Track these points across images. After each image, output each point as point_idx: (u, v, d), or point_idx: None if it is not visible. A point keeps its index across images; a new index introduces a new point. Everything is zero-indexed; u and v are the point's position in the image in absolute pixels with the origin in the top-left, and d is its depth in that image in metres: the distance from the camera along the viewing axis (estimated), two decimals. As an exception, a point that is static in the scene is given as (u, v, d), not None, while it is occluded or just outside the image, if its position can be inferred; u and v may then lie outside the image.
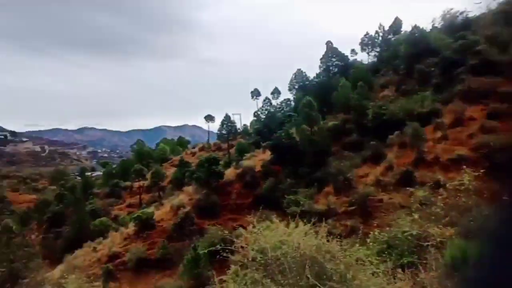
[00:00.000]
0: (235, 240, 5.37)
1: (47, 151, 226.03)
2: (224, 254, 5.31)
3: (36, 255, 37.41)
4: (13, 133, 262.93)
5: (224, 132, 43.29)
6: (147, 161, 59.32)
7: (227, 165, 35.97)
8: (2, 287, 26.11)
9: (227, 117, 43.20)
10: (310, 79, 48.89)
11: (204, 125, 70.76)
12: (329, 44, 46.10)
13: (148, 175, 46.21)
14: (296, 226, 5.16)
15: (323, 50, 46.59)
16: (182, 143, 73.22)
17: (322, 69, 46.14)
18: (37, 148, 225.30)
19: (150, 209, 30.76)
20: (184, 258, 17.96)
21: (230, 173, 29.32)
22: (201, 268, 16.43)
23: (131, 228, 27.02)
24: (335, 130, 27.96)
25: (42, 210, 55.81)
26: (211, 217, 24.11)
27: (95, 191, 50.61)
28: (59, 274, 23.70)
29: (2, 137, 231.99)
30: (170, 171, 48.69)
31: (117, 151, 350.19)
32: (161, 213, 28.42)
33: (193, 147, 64.73)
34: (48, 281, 17.12)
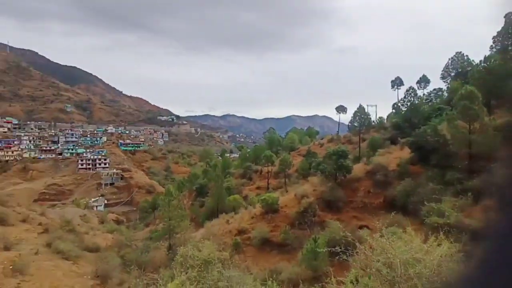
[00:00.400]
0: (357, 244, 4.64)
1: (199, 133, 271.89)
2: (344, 257, 4.67)
3: (186, 217, 45.45)
4: (177, 117, 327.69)
5: (356, 124, 40.54)
6: (276, 148, 62.70)
7: (357, 159, 33.66)
8: (163, 236, 32.75)
9: (360, 109, 40.19)
10: (474, 64, 39.45)
11: (335, 116, 68.91)
12: (510, 17, 35.19)
13: (277, 162, 48.70)
14: (439, 244, 4.04)
15: (496, 27, 36.31)
16: (310, 133, 73.59)
17: (495, 50, 35.96)
18: (192, 130, 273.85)
19: (276, 194, 32.23)
20: (304, 247, 17.87)
21: (359, 168, 27.31)
22: (319, 261, 15.95)
23: (258, 208, 29.07)
24: (507, 129, 21.60)
25: (192, 181, 67.53)
26: (334, 211, 23.19)
27: (232, 171, 57.09)
28: (200, 237, 28.14)
29: (171, 119, 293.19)
30: (297, 160, 49.81)
31: (252, 136, 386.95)
32: (285, 199, 29.35)
33: (322, 138, 64.03)
34: (191, 241, 20.03)
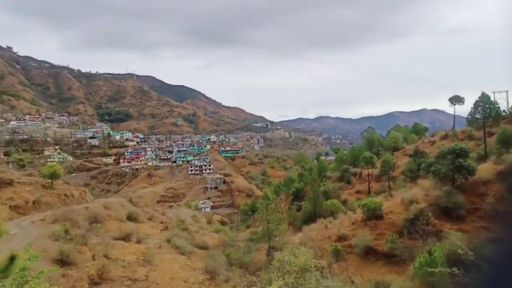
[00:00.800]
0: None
1: (293, 137, 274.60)
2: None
3: (284, 220, 46.03)
4: (271, 122, 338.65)
5: (478, 116, 33.71)
6: (377, 148, 57.89)
7: (482, 158, 28.11)
8: (263, 238, 33.87)
9: (484, 97, 33.21)
10: None
11: (448, 108, 59.39)
12: None
13: (378, 164, 44.86)
14: None
15: None
16: (417, 130, 65.35)
17: None
18: (286, 134, 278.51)
19: (379, 199, 29.59)
20: (416, 259, 15.69)
21: (485, 169, 22.62)
22: (437, 277, 13.69)
23: (358, 214, 27.16)
24: None
25: (288, 185, 68.24)
26: (453, 220, 19.69)
27: (328, 174, 55.27)
28: (298, 241, 27.99)
29: (265, 125, 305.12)
30: (402, 161, 44.90)
31: (348, 137, 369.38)
32: (390, 204, 26.61)
33: (432, 135, 56.06)
34: (289, 245, 19.99)
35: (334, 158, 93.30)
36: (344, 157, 61.06)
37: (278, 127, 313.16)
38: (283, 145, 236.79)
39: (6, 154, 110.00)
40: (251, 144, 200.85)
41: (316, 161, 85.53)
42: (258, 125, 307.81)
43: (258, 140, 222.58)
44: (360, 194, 43.39)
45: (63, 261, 15.73)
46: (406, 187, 33.31)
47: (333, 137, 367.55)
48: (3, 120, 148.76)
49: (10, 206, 22.49)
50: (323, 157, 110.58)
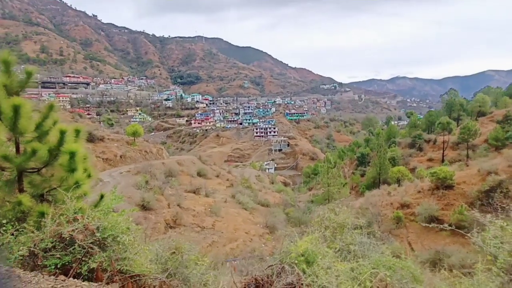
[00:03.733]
0: None
1: (362, 99, 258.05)
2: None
3: (346, 185, 45.62)
4: (340, 84, 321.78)
5: None
6: (458, 113, 51.48)
7: None
8: (324, 201, 34.41)
9: None
10: None
11: (559, 65, 48.68)
12: None
13: (456, 130, 40.25)
14: None
15: None
16: (513, 93, 55.63)
17: None
18: (356, 97, 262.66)
19: (452, 168, 27.11)
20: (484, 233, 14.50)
21: None
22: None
23: (426, 183, 25.50)
24: None
25: (353, 150, 66.13)
26: (542, 196, 17.28)
27: (398, 140, 51.76)
28: (358, 206, 27.78)
29: (333, 87, 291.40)
30: (487, 128, 39.43)
31: (427, 100, 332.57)
32: (464, 174, 24.26)
33: (532, 98, 47.38)
34: (351, 208, 20.10)
35: (406, 123, 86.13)
36: (418, 122, 55.93)
37: (347, 89, 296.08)
38: (351, 108, 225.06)
39: (98, 114, 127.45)
40: (318, 107, 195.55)
41: (386, 126, 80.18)
42: (325, 87, 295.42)
43: (325, 102, 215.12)
44: (432, 162, 40.06)
45: (144, 207, 18.60)
46: (488, 156, 29.66)
47: (409, 100, 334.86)
48: (94, 84, 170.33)
49: (102, 159, 26.76)
50: (395, 122, 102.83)
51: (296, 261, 3.52)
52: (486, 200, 17.64)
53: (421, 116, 67.89)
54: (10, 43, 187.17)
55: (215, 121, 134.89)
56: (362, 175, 48.44)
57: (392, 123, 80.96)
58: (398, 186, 30.13)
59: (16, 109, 2.82)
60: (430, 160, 40.51)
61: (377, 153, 40.57)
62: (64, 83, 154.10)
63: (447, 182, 22.24)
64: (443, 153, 39.23)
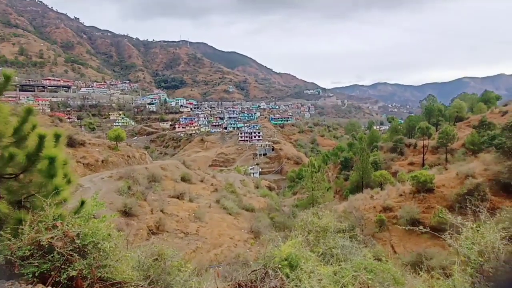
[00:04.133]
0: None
1: (345, 104, 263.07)
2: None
3: (330, 189, 46.11)
4: (323, 89, 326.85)
5: None
6: (436, 118, 53.32)
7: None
8: (308, 205, 34.66)
9: None
10: None
11: (530, 74, 51.41)
12: None
13: (435, 135, 41.66)
14: None
15: None
16: (487, 99, 58.19)
17: None
18: (339, 102, 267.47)
19: (432, 171, 28.01)
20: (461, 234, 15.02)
21: None
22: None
23: (407, 186, 26.19)
24: None
25: (337, 154, 67.13)
26: (514, 198, 18.10)
27: (380, 145, 52.97)
28: (342, 210, 28.15)
29: (317, 92, 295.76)
30: (464, 133, 41.05)
31: (407, 106, 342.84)
32: (443, 178, 25.10)
33: (505, 105, 49.70)
34: (334, 212, 20.33)
35: (388, 127, 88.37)
36: (399, 127, 57.53)
37: (331, 95, 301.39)
38: (335, 113, 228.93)
39: (78, 118, 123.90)
40: (302, 112, 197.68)
41: (368, 131, 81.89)
42: (309, 92, 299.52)
43: (309, 107, 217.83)
44: (413, 166, 41.22)
45: (126, 213, 18.18)
46: (465, 160, 30.83)
47: (390, 105, 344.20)
48: (75, 87, 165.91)
49: (83, 164, 26.02)
50: (377, 127, 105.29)
51: (279, 266, 3.55)
52: (464, 203, 18.28)
53: (402, 121, 69.86)
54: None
55: (200, 125, 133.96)
56: (346, 179, 49.17)
57: (374, 128, 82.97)
58: (381, 189, 30.80)
59: (-8, 114, 2.73)
60: (411, 164, 41.65)
61: (360, 157, 41.34)
62: (43, 86, 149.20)
63: (428, 186, 22.92)
64: (423, 157, 40.44)
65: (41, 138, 3.13)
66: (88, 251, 2.97)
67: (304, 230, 5.18)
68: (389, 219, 23.92)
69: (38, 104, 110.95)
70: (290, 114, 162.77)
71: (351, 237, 5.27)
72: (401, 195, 25.86)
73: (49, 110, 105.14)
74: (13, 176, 3.13)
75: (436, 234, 6.20)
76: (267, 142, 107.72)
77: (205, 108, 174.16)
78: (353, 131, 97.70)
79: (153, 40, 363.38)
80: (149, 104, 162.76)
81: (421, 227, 5.29)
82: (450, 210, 19.92)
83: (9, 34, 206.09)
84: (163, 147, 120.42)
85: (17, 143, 3.11)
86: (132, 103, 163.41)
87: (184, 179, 33.44)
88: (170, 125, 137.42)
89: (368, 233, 22.36)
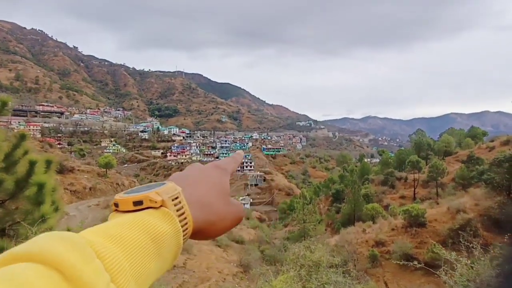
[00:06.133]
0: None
1: (337, 137, 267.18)
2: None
3: (321, 221, 45.42)
4: (315, 121, 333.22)
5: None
6: (426, 152, 54.36)
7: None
8: (299, 238, 33.87)
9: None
10: None
11: (513, 111, 53.72)
12: None
13: (425, 169, 42.23)
14: None
15: None
16: (474, 134, 59.98)
17: None
18: (330, 134, 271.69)
19: (423, 206, 28.04)
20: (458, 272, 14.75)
21: (549, 180, 20.37)
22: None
23: (399, 220, 26.02)
24: None
25: (328, 186, 66.97)
26: (505, 233, 18.10)
27: (371, 177, 53.26)
28: (334, 243, 27.58)
29: (308, 124, 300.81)
30: (453, 167, 41.73)
31: (397, 139, 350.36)
32: (435, 212, 25.09)
33: (492, 140, 51.17)
34: (327, 245, 19.85)
35: (378, 160, 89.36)
36: (389, 160, 58.26)
37: (322, 127, 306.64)
38: (326, 145, 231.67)
39: (69, 144, 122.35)
40: (293, 143, 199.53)
41: (359, 163, 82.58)
42: (301, 123, 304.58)
43: (301, 139, 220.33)
44: (404, 199, 41.27)
45: (112, 243, 17.44)
46: (455, 195, 31.05)
47: (380, 138, 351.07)
48: (68, 113, 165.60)
49: (70, 191, 25.33)
50: (368, 159, 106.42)
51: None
52: (457, 238, 18.17)
53: (392, 154, 70.93)
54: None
55: (191, 154, 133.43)
56: (338, 212, 48.64)
57: (365, 160, 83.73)
58: (373, 223, 30.46)
59: (-16, 138, 2.70)
60: (402, 197, 41.74)
61: (352, 189, 41.26)
62: (36, 112, 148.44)
63: (420, 220, 22.84)
64: (414, 191, 40.65)
65: (32, 164, 3.09)
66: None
67: (296, 264, 5.03)
68: (382, 254, 23.47)
69: (29, 129, 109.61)
70: (282, 145, 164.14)
71: (344, 272, 5.13)
72: (393, 229, 25.60)
73: (39, 136, 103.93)
74: (0, 202, 3.03)
75: (431, 270, 6.10)
76: (258, 173, 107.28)
77: (198, 137, 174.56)
78: (345, 163, 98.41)
79: (149, 70, 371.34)
80: (142, 131, 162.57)
81: (415, 262, 5.20)
82: (443, 245, 19.73)
83: (7, 60, 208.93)
84: (154, 175, 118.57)
85: (6, 169, 3.05)
86: (124, 131, 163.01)
87: (173, 209, 32.64)
88: (162, 153, 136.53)
89: (361, 269, 21.77)
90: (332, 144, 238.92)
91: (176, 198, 0.53)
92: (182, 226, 0.52)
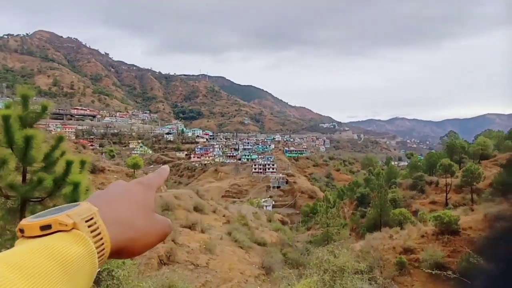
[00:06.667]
0: None
1: (362, 139, 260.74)
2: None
3: (346, 226, 44.48)
4: (339, 123, 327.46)
5: None
6: (459, 156, 51.70)
7: None
8: (322, 242, 33.39)
9: None
10: None
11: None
12: None
13: (459, 173, 40.20)
14: None
15: None
16: (515, 136, 56.17)
17: None
18: (355, 136, 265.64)
19: (456, 212, 26.72)
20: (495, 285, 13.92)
21: None
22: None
23: (430, 226, 24.92)
24: None
25: (353, 189, 65.44)
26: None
27: (399, 181, 51.47)
28: (358, 249, 26.87)
29: (332, 126, 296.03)
30: (491, 172, 39.40)
31: (427, 142, 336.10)
32: (470, 219, 23.80)
33: (533, 143, 47.85)
34: (351, 250, 19.43)
35: (407, 163, 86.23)
36: (419, 163, 56.02)
37: (346, 129, 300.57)
38: (350, 148, 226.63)
39: (100, 145, 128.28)
40: (317, 145, 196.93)
41: (386, 166, 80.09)
42: (325, 125, 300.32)
43: (324, 141, 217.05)
44: (435, 205, 39.50)
45: (139, 241, 18.00)
46: (494, 201, 29.30)
47: (408, 140, 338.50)
48: (100, 116, 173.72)
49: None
50: (395, 162, 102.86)
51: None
52: (494, 248, 17.16)
53: (422, 157, 68.17)
54: (24, 76, 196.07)
55: (214, 155, 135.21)
56: (363, 216, 47.44)
57: (392, 163, 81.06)
58: (401, 229, 29.42)
59: (27, 140, 2.91)
60: (432, 203, 40.00)
61: (378, 193, 40.11)
62: (71, 115, 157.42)
63: (452, 227, 21.76)
64: (446, 196, 38.83)
65: (69, 164, 3.28)
66: (102, 278, 2.96)
67: (319, 269, 4.97)
68: (411, 261, 22.56)
69: (65, 131, 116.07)
70: (305, 147, 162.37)
71: (370, 279, 4.99)
72: (423, 236, 24.57)
73: (74, 137, 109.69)
74: (39, 200, 3.25)
75: (466, 280, 5.78)
76: (281, 175, 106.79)
77: (220, 139, 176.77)
78: (370, 166, 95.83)
79: (174, 73, 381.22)
80: (167, 133, 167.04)
81: (449, 272, 4.96)
82: (480, 255, 18.69)
83: (46, 67, 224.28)
84: (178, 176, 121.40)
85: (46, 168, 3.26)
86: (151, 133, 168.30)
87: (197, 209, 33.19)
88: (186, 154, 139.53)
89: (387, 276, 21.04)
90: (357, 147, 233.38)
91: (91, 219, 0.52)
92: (98, 247, 0.50)
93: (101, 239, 0.52)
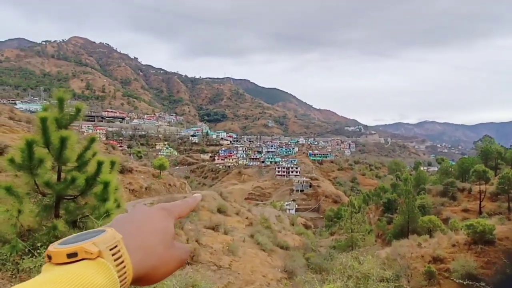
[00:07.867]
0: None
1: (389, 143, 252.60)
2: None
3: (371, 232, 43.20)
4: (365, 126, 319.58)
5: None
6: (495, 161, 48.72)
7: None
8: (347, 248, 32.65)
9: None
10: None
11: None
12: None
13: (494, 180, 37.89)
14: None
15: None
16: (555, 143, 52.32)
17: None
18: (382, 140, 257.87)
19: (491, 221, 25.16)
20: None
21: None
22: None
23: (461, 235, 23.65)
24: None
25: (379, 194, 63.44)
26: None
27: (428, 187, 49.29)
28: (384, 256, 25.96)
29: (358, 129, 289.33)
30: (528, 179, 36.85)
31: (459, 146, 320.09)
32: (506, 229, 22.37)
33: None
34: (377, 257, 18.86)
35: (437, 169, 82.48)
36: (450, 169, 53.37)
37: (373, 132, 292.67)
38: (377, 152, 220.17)
39: (129, 146, 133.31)
40: (342, 149, 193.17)
41: (414, 171, 77.05)
42: (350, 129, 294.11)
43: (350, 144, 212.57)
44: (467, 213, 37.44)
45: (164, 240, 18.43)
46: (532, 210, 27.38)
47: (439, 145, 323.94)
48: (128, 119, 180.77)
49: (129, 190, 27.48)
50: (424, 167, 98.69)
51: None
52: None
53: (453, 163, 64.94)
54: (60, 80, 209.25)
55: (238, 158, 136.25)
56: (389, 222, 45.87)
57: (421, 168, 77.75)
58: (430, 237, 28.13)
59: (63, 141, 3.10)
60: (465, 210, 37.95)
61: (405, 199, 38.64)
62: (102, 117, 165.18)
63: (487, 237, 20.54)
64: (480, 204, 36.72)
65: (99, 164, 3.45)
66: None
67: (343, 274, 4.86)
68: (440, 271, 21.50)
69: (96, 132, 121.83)
70: (330, 150, 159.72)
71: (396, 287, 4.82)
72: (454, 245, 23.35)
73: (104, 139, 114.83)
74: (72, 197, 3.44)
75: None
76: (304, 178, 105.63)
77: (244, 141, 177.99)
78: (397, 171, 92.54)
79: (200, 77, 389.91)
80: (192, 136, 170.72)
81: (482, 283, 4.71)
82: (515, 267, 17.49)
83: (80, 71, 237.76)
84: (202, 177, 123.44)
85: (79, 168, 3.45)
86: (177, 135, 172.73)
87: (220, 211, 33.51)
88: (210, 156, 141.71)
89: (415, 285, 20.22)
90: (384, 151, 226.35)
91: (115, 246, 0.54)
92: (120, 276, 0.52)
93: (124, 267, 0.54)
